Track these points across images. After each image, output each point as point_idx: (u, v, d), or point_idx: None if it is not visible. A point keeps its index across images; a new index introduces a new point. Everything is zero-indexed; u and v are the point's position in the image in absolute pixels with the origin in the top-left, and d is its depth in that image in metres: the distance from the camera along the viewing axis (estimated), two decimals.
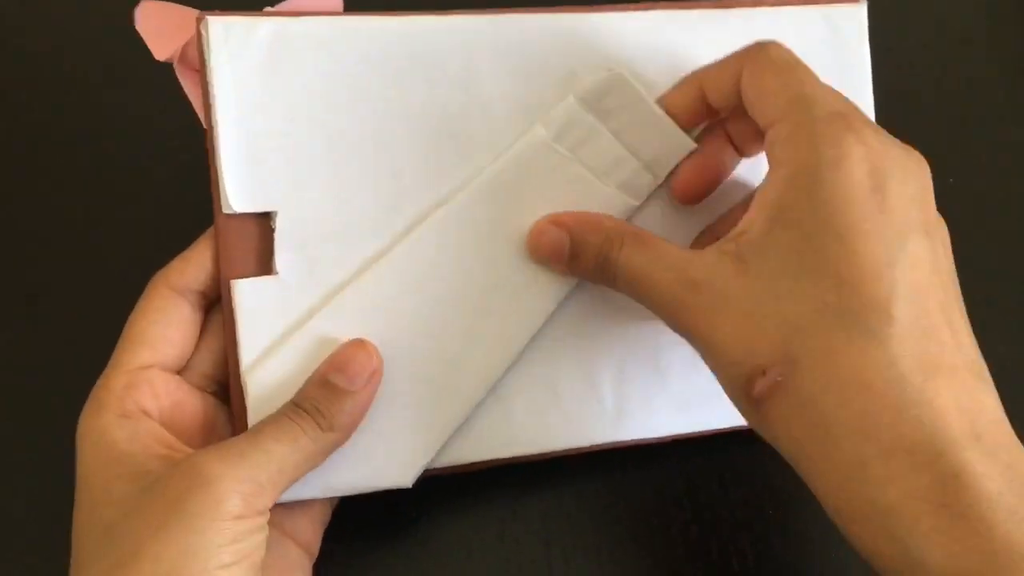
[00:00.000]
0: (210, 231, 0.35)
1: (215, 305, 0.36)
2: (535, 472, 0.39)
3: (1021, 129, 0.52)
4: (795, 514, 0.41)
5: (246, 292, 0.35)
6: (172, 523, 0.28)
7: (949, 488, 0.28)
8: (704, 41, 0.40)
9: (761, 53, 0.34)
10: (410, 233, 0.36)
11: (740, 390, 0.31)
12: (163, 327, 0.34)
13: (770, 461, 0.39)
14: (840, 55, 0.43)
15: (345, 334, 0.35)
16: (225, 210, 0.35)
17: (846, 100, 0.33)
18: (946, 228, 0.33)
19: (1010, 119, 0.52)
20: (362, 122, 0.36)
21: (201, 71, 0.35)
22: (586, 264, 0.35)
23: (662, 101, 0.37)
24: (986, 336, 0.42)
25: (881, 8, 0.49)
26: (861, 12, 0.43)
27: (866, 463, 0.29)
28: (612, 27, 0.39)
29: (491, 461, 0.38)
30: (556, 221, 0.36)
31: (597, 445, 0.39)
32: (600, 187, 0.37)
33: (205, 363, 0.35)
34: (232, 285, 0.35)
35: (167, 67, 0.38)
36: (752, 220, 0.32)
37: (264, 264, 0.35)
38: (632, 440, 0.39)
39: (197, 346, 0.35)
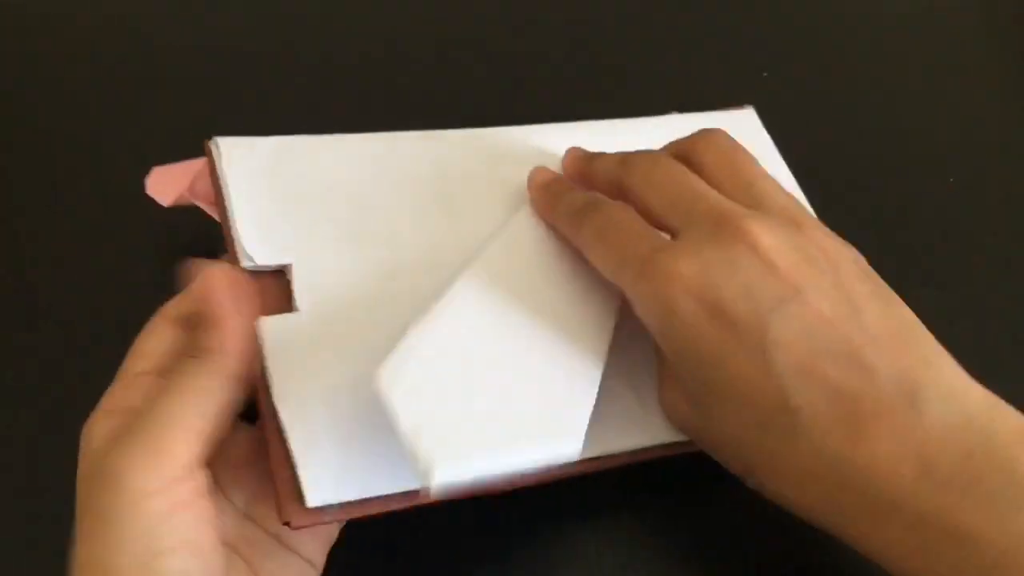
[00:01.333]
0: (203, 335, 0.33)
1: None
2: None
3: (1021, 129, 0.53)
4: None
5: (271, 328, 0.36)
6: (96, 531, 0.27)
7: (924, 534, 0.29)
8: (627, 144, 0.48)
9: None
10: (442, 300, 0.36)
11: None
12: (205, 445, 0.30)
13: None
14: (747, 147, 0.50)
15: None
16: (245, 264, 0.38)
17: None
18: (811, 254, 0.33)
19: (1010, 119, 0.53)
20: (354, 199, 0.41)
21: (212, 174, 0.40)
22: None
23: None
24: (986, 336, 0.44)
25: (882, 10, 0.56)
26: (751, 114, 0.51)
27: (841, 529, 0.32)
28: (553, 137, 0.47)
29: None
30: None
31: (590, 460, 0.37)
32: None
33: None
34: (259, 323, 0.36)
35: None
36: (679, 370, 0.34)
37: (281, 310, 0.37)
38: (626, 451, 0.38)
39: None
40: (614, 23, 0.56)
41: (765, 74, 0.53)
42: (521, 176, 0.43)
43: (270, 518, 0.34)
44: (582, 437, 0.33)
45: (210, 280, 0.32)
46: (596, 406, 0.35)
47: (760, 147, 0.50)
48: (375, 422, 0.33)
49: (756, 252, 0.31)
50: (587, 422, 0.34)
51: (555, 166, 0.46)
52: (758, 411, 0.31)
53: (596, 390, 0.35)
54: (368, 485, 0.33)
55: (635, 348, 0.40)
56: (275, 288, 0.38)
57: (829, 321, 0.31)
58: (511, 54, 0.54)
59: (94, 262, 0.44)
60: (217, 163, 0.41)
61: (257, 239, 0.38)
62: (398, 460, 0.32)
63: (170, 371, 0.31)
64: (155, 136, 0.46)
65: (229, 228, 0.39)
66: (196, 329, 0.31)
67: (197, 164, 0.43)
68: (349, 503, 0.32)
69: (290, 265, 0.38)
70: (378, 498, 0.33)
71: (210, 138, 0.42)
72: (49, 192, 0.45)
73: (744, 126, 0.51)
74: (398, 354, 0.33)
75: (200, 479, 0.29)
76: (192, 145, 0.43)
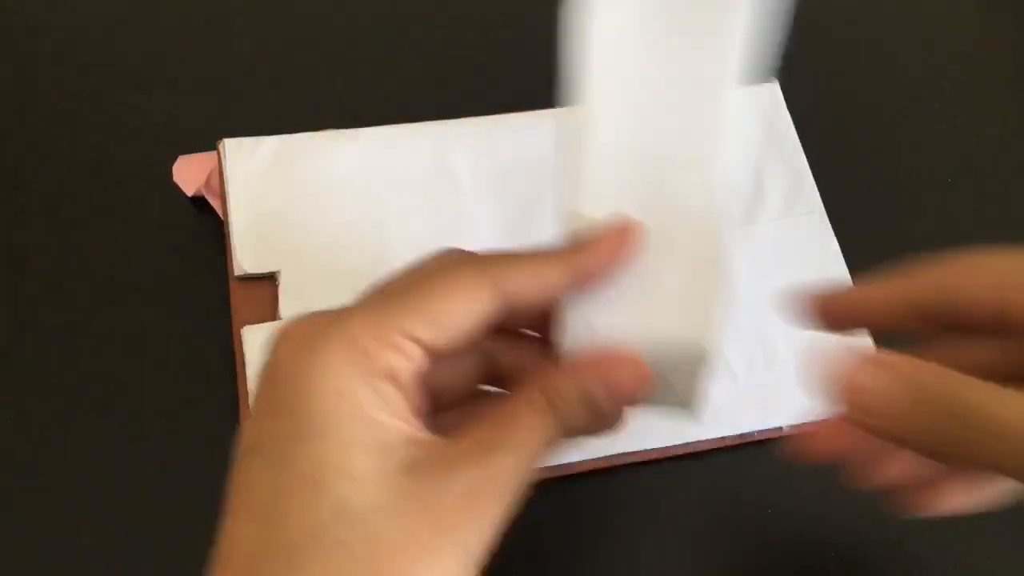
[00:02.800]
0: (557, 251, 0.29)
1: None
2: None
3: (1021, 129, 0.52)
4: (793, 514, 0.40)
5: (253, 335, 0.40)
6: (447, 551, 0.24)
7: None
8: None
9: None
10: None
11: None
12: (459, 317, 0.26)
13: (767, 462, 0.41)
14: (764, 124, 0.49)
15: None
16: (237, 272, 0.41)
17: None
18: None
19: (1010, 119, 0.52)
20: (347, 194, 0.44)
21: (219, 176, 0.44)
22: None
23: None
24: None
25: (883, 10, 0.55)
26: (774, 89, 0.50)
27: None
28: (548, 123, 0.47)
29: (589, 463, 0.40)
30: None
31: (591, 459, 0.40)
32: None
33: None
34: (243, 331, 0.40)
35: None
36: None
37: (269, 315, 0.41)
38: (625, 452, 0.41)
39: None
40: None
41: (764, 76, 0.51)
42: (515, 163, 0.44)
43: None
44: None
45: (627, 370, 0.28)
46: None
47: (778, 124, 0.49)
48: None
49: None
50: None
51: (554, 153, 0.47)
52: None
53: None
54: None
55: None
56: (265, 293, 0.42)
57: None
58: (515, 41, 0.54)
59: (95, 260, 0.45)
60: (223, 163, 0.44)
61: (250, 248, 0.42)
62: None
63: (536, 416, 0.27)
64: (171, 132, 0.49)
65: (228, 232, 0.42)
66: (569, 384, 0.27)
67: (215, 158, 0.46)
68: None
69: (278, 273, 0.41)
70: None
71: (220, 139, 0.45)
72: (53, 192, 0.47)
73: (763, 101, 0.50)
74: None
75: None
76: (201, 142, 0.46)
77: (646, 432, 0.41)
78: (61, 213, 0.46)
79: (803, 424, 0.41)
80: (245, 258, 0.42)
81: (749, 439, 0.41)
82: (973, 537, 0.40)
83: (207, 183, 0.46)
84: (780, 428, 0.41)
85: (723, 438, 0.41)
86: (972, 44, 0.55)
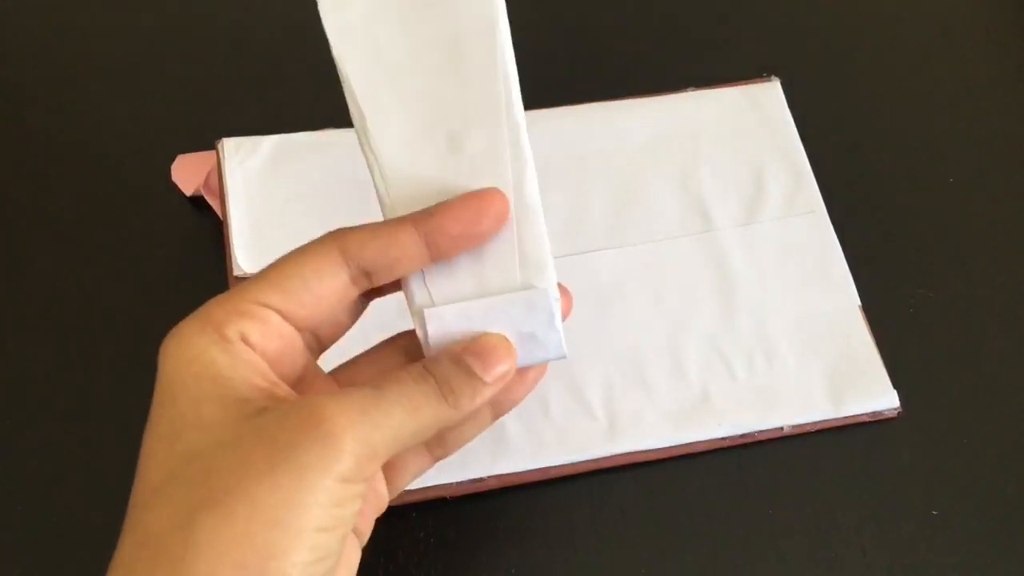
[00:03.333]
0: (408, 216, 0.30)
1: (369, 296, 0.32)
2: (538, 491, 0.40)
3: (1021, 129, 0.52)
4: (794, 514, 0.40)
5: None
6: (280, 469, 0.25)
7: None
8: (644, 124, 0.48)
9: None
10: None
11: None
12: (308, 283, 0.29)
13: (767, 462, 0.41)
14: (765, 122, 0.49)
15: None
16: (236, 272, 0.41)
17: None
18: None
19: (1010, 119, 0.52)
20: (345, 193, 0.43)
21: (218, 175, 0.44)
22: None
23: None
24: (986, 334, 0.44)
25: (884, 9, 0.55)
26: (775, 87, 0.50)
27: None
28: (567, 119, 0.47)
29: (487, 480, 0.39)
30: None
31: (593, 460, 0.40)
32: None
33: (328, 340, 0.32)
34: None
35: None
36: None
37: None
38: (626, 453, 0.40)
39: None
40: None
41: (764, 74, 0.51)
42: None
43: None
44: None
45: (495, 344, 0.30)
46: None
47: (779, 123, 0.49)
48: None
49: None
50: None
51: (565, 150, 0.47)
52: None
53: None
54: None
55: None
56: None
57: None
58: (519, 34, 0.54)
59: (93, 260, 0.45)
60: (222, 163, 0.44)
61: (248, 249, 0.42)
62: None
63: (415, 383, 0.29)
64: (170, 132, 0.49)
65: (226, 231, 0.42)
66: (445, 358, 0.30)
67: (214, 157, 0.46)
68: None
69: None
70: None
71: (218, 139, 0.45)
72: (52, 191, 0.47)
73: (765, 100, 0.50)
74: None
75: (368, 483, 0.28)
76: (200, 141, 0.46)
77: (647, 432, 0.41)
78: (60, 212, 0.46)
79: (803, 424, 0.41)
80: (244, 258, 0.42)
81: (750, 439, 0.41)
82: (974, 540, 0.40)
83: (206, 182, 0.46)
84: (781, 428, 0.41)
85: (724, 438, 0.41)
86: (973, 43, 0.55)
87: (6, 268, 0.45)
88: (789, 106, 0.50)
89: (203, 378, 0.27)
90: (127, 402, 0.41)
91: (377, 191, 0.31)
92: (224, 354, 0.27)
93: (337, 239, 0.29)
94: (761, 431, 0.41)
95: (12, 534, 0.39)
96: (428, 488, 0.39)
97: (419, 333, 0.30)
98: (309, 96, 0.50)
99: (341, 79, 0.30)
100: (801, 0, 0.56)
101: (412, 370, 0.29)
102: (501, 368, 0.30)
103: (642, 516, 0.40)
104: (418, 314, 0.30)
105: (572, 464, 0.40)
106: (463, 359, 0.30)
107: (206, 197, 0.46)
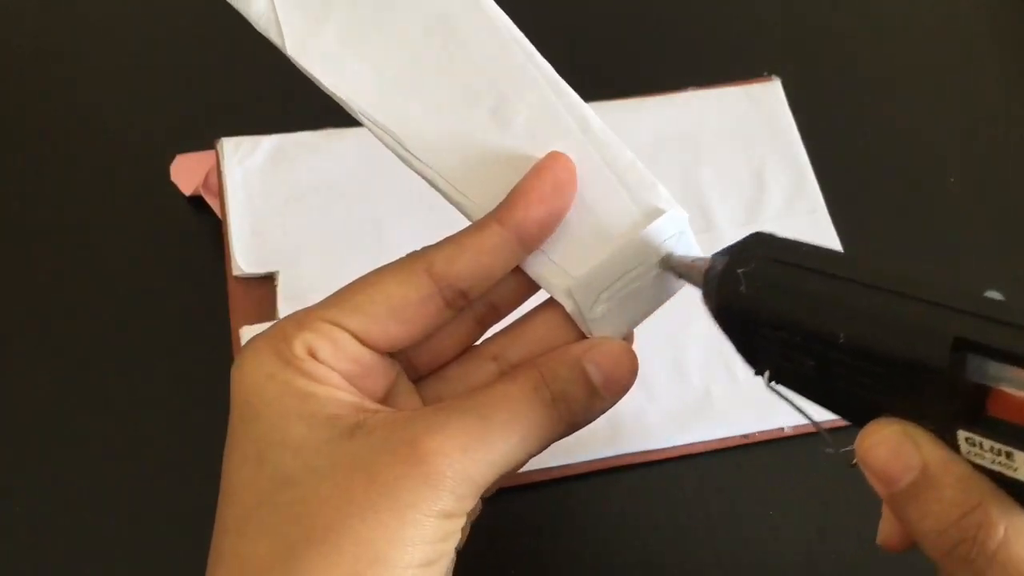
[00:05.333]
0: (489, 218, 0.28)
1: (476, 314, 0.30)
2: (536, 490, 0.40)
3: (1021, 129, 0.52)
4: (795, 514, 0.40)
5: (253, 334, 0.40)
6: (382, 506, 0.24)
7: None
8: (646, 124, 0.48)
9: None
10: None
11: None
12: (394, 309, 0.27)
13: (768, 463, 0.41)
14: (766, 122, 0.49)
15: None
16: (235, 272, 0.41)
17: None
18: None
19: (1011, 119, 0.52)
20: (345, 193, 0.43)
21: (218, 175, 0.44)
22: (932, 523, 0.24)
23: None
24: None
25: (885, 9, 0.55)
26: (776, 86, 0.50)
27: None
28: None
29: (592, 463, 0.40)
30: (897, 448, 0.24)
31: (593, 460, 0.40)
32: None
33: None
34: (241, 331, 0.40)
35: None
36: None
37: (268, 315, 0.41)
38: (626, 453, 0.40)
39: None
40: None
41: (765, 72, 0.51)
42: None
43: None
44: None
45: (620, 354, 0.29)
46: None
47: (779, 123, 0.49)
48: None
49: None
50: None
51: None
52: None
53: None
54: None
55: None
56: (264, 293, 0.41)
57: None
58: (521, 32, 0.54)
59: (92, 260, 0.45)
60: (221, 163, 0.44)
61: (248, 248, 0.42)
62: None
63: (529, 405, 0.27)
64: (169, 131, 0.49)
65: (226, 231, 0.42)
66: (563, 366, 0.28)
67: (213, 157, 0.46)
68: None
69: (276, 273, 0.41)
70: None
71: (218, 139, 0.45)
72: (51, 191, 0.47)
73: (766, 99, 0.50)
74: None
75: (470, 516, 0.27)
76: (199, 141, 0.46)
77: (647, 433, 0.41)
78: (58, 212, 0.46)
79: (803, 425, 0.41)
80: (243, 258, 0.42)
81: (751, 439, 0.41)
82: None
83: (205, 182, 0.46)
84: (782, 429, 0.41)
85: (725, 439, 0.41)
86: (973, 43, 0.55)
87: (5, 268, 0.44)
88: (790, 105, 0.50)
89: (286, 395, 0.25)
90: (127, 401, 0.41)
91: (453, 202, 0.29)
92: (302, 371, 0.26)
93: (422, 260, 0.27)
94: (762, 431, 0.41)
95: (12, 535, 0.39)
96: None
97: (574, 315, 0.28)
98: (309, 96, 0.49)
99: (354, 115, 0.29)
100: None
101: (524, 384, 0.27)
102: (624, 383, 0.28)
103: (642, 516, 0.40)
104: (564, 294, 0.28)
105: (572, 464, 0.40)
106: (583, 368, 0.27)
107: (205, 197, 0.46)
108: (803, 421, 0.42)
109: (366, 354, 0.27)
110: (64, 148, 0.48)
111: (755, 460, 0.41)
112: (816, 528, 0.40)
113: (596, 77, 0.51)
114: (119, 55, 0.52)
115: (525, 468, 0.40)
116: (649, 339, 0.43)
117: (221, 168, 0.44)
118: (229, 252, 0.42)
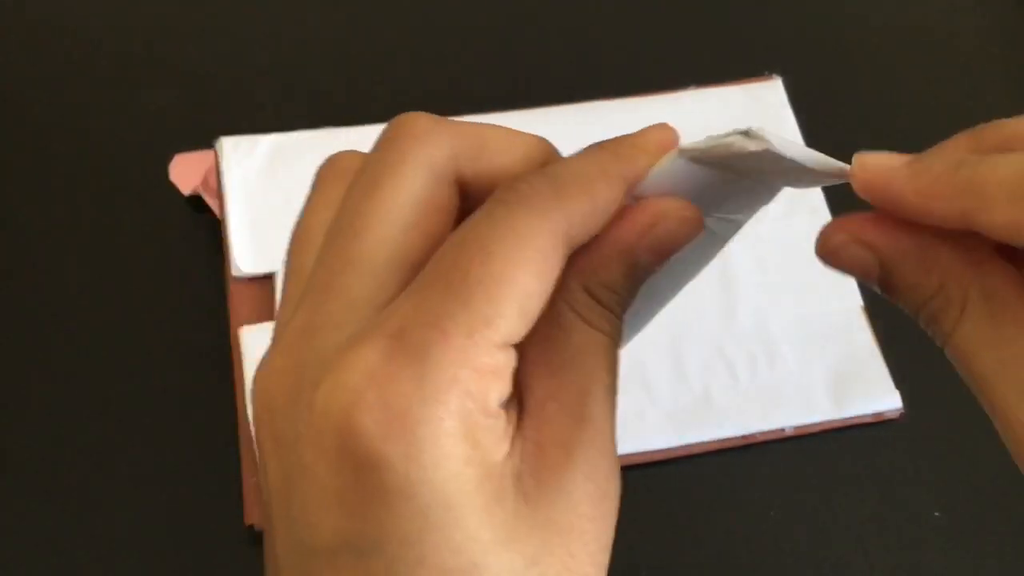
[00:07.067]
0: (609, 169, 0.22)
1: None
2: None
3: None
4: (795, 514, 0.40)
5: (252, 336, 0.40)
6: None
7: None
8: (646, 124, 0.47)
9: None
10: None
11: None
12: (540, 294, 0.20)
13: (769, 463, 0.41)
14: (766, 122, 0.49)
15: None
16: (235, 272, 0.41)
17: None
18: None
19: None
20: None
21: (216, 175, 0.43)
22: (902, 301, 0.25)
23: None
24: None
25: (886, 9, 0.55)
26: (777, 86, 0.50)
27: None
28: (568, 117, 0.47)
29: None
30: (860, 238, 0.24)
31: (690, 445, 0.40)
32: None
33: None
34: (241, 332, 0.40)
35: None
36: None
37: (267, 315, 0.41)
38: (626, 453, 0.40)
39: None
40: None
41: (766, 72, 0.51)
42: None
43: None
44: None
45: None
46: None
47: (780, 122, 0.49)
48: None
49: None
50: None
51: (566, 150, 0.47)
52: None
53: None
54: None
55: None
56: (263, 293, 0.41)
57: None
58: (520, 34, 0.54)
59: (91, 260, 0.45)
60: (220, 162, 0.44)
61: (247, 248, 0.42)
62: None
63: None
64: (168, 131, 0.48)
65: (225, 232, 0.42)
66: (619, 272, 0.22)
67: (212, 157, 0.46)
68: None
69: (276, 273, 0.41)
70: None
71: (217, 138, 0.44)
72: (49, 191, 0.47)
73: (766, 98, 0.50)
74: None
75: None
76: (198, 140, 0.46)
77: (648, 433, 0.40)
78: (57, 212, 0.46)
79: (805, 424, 0.41)
80: (243, 258, 0.41)
81: (752, 440, 0.41)
82: (976, 542, 0.39)
83: (204, 182, 0.46)
84: (782, 429, 0.41)
85: (725, 439, 0.41)
86: (974, 43, 0.55)
87: (5, 268, 0.44)
88: (791, 105, 0.50)
89: (473, 476, 0.19)
90: (126, 400, 0.41)
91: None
92: (484, 434, 0.20)
93: (559, 225, 0.20)
94: (762, 432, 0.41)
95: (12, 535, 0.38)
96: None
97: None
98: (308, 95, 0.50)
99: None
100: None
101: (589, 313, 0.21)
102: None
103: (643, 516, 0.40)
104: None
105: None
106: (643, 262, 0.22)
107: (204, 197, 0.45)
108: (803, 421, 0.42)
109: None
110: (63, 148, 0.48)
111: (755, 460, 0.41)
112: (816, 528, 0.40)
113: (596, 77, 0.51)
114: (119, 55, 0.52)
115: None
116: (649, 339, 0.43)
117: (220, 168, 0.44)
118: (228, 252, 0.42)
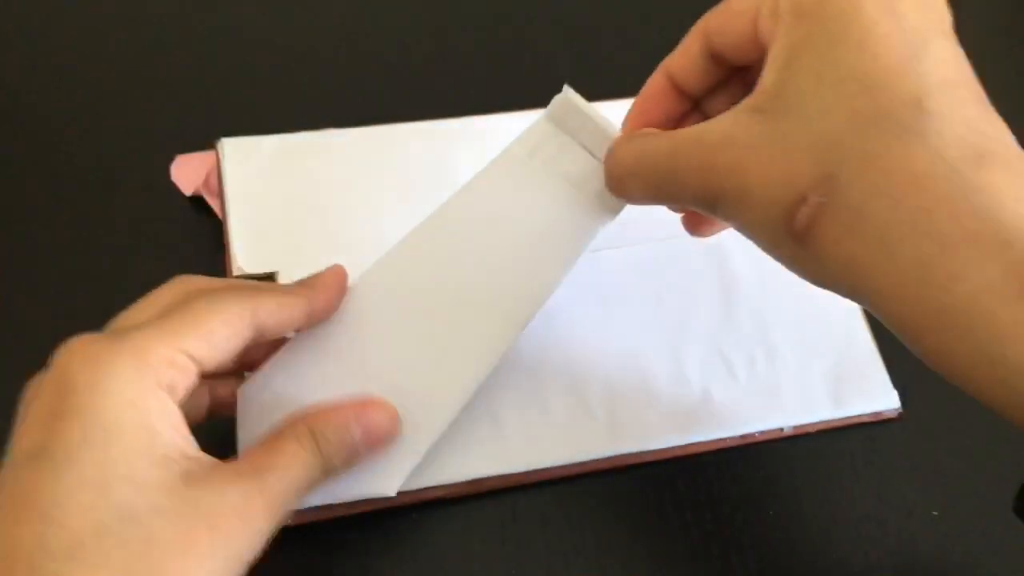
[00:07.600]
0: (302, 295, 0.35)
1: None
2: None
3: (1021, 129, 0.51)
4: (795, 514, 0.40)
5: None
6: (219, 555, 0.27)
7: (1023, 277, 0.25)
8: None
9: None
10: (389, 250, 0.38)
11: (782, 230, 0.28)
12: (227, 340, 0.31)
13: (768, 463, 0.41)
14: None
15: (327, 354, 0.36)
16: (236, 273, 0.41)
17: None
18: None
19: (1010, 120, 0.51)
20: (345, 194, 0.43)
21: (218, 175, 0.44)
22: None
23: (664, 68, 0.37)
24: None
25: None
26: None
27: (929, 263, 0.26)
28: None
29: (487, 480, 0.39)
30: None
31: (592, 460, 0.40)
32: (578, 195, 0.38)
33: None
34: None
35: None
36: (763, 78, 0.29)
37: None
38: (626, 453, 0.40)
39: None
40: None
41: None
42: None
43: None
44: (397, 486, 0.36)
45: (379, 415, 0.35)
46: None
47: None
48: None
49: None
50: (408, 471, 0.36)
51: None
52: (879, 99, 0.27)
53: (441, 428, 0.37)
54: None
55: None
56: None
57: (975, 82, 0.30)
58: (520, 34, 0.54)
59: (92, 260, 0.45)
60: (221, 163, 0.44)
61: (249, 248, 0.42)
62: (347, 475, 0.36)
63: (300, 448, 0.32)
64: (170, 132, 0.49)
65: (226, 232, 0.42)
66: (331, 428, 0.33)
67: (213, 157, 0.46)
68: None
69: (276, 273, 0.41)
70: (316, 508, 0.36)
71: (218, 139, 0.45)
72: (50, 191, 0.47)
73: None
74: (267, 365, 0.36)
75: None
76: (199, 141, 0.46)
77: (647, 433, 0.41)
78: (58, 212, 0.46)
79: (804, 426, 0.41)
80: (244, 258, 0.42)
81: (750, 440, 0.41)
82: (975, 541, 0.40)
83: (205, 183, 0.46)
84: (781, 429, 0.41)
85: (725, 439, 0.41)
86: (974, 44, 0.55)
87: (4, 268, 0.44)
88: None
89: (140, 429, 0.27)
90: None
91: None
92: (160, 405, 0.28)
93: (251, 304, 0.31)
94: (762, 432, 0.41)
95: None
96: (427, 489, 0.38)
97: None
98: (309, 96, 0.50)
99: None
100: None
101: (303, 441, 0.31)
102: (382, 437, 0.34)
103: (642, 516, 0.40)
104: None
105: (572, 464, 0.40)
106: (348, 427, 0.33)
107: (206, 197, 0.46)
108: (802, 421, 0.42)
109: (198, 383, 0.30)
110: (64, 148, 0.48)
111: (755, 460, 0.41)
112: (816, 528, 0.40)
113: (596, 77, 0.51)
114: (119, 55, 0.52)
115: (525, 469, 0.40)
116: (649, 339, 0.43)
117: (221, 168, 0.44)
118: (229, 252, 0.42)
